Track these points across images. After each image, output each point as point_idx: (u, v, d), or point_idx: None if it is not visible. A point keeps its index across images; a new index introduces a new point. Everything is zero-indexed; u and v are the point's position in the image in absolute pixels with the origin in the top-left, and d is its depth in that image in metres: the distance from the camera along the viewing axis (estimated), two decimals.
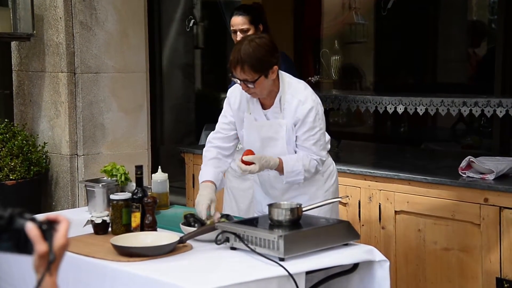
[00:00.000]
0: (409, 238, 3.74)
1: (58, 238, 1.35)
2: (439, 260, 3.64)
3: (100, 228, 2.97)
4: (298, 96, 3.02)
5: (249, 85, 2.92)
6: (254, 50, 2.89)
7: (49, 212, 4.38)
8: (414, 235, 3.72)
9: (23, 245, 1.34)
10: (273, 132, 3.06)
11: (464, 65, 6.29)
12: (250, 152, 3.00)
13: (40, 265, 1.34)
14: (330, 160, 3.28)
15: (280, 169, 3.01)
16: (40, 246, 1.33)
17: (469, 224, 3.51)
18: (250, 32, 4.00)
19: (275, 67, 2.95)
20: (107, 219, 2.97)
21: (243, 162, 2.94)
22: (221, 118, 3.23)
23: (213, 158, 3.17)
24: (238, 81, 2.96)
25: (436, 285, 3.65)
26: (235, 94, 3.17)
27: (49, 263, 1.33)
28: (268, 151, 3.07)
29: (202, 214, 2.92)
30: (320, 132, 3.05)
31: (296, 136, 3.05)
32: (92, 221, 2.98)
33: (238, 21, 4.01)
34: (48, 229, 1.35)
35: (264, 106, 3.09)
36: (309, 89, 3.11)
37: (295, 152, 3.08)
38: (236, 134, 3.19)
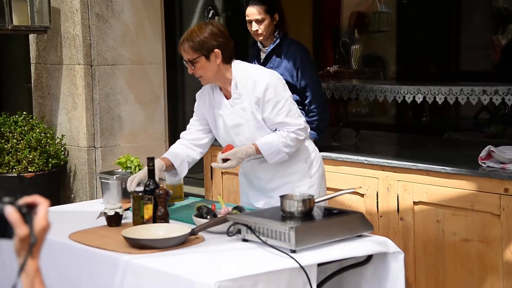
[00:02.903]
0: (428, 229, 3.68)
1: (39, 221, 1.34)
2: (458, 251, 3.57)
3: (113, 220, 2.95)
4: (251, 77, 3.06)
5: (191, 66, 3.01)
6: (197, 32, 3.00)
7: (67, 204, 4.38)
8: (433, 226, 3.66)
9: (3, 229, 1.33)
10: (238, 118, 3.09)
11: (487, 53, 6.19)
12: (228, 147, 3.09)
13: (22, 249, 1.33)
14: (312, 146, 3.28)
15: (260, 153, 3.08)
16: (21, 229, 1.32)
17: (489, 215, 3.44)
18: (265, 22, 3.98)
19: (217, 50, 2.99)
20: (120, 211, 2.96)
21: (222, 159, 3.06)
22: (194, 115, 3.31)
23: (179, 145, 3.27)
24: (185, 62, 3.05)
25: (456, 277, 3.59)
26: (203, 94, 3.24)
27: (31, 246, 1.32)
28: (239, 138, 3.12)
29: (128, 186, 3.05)
30: (287, 102, 3.07)
31: (265, 118, 3.07)
32: (105, 213, 2.97)
33: (253, 11, 3.98)
34: (27, 212, 1.34)
35: (227, 97, 3.13)
36: (264, 69, 3.19)
37: (272, 131, 3.11)
38: (207, 129, 3.27)
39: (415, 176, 3.70)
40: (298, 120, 3.10)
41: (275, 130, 3.10)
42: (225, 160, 3.06)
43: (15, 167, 4.77)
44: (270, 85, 3.03)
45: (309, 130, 3.26)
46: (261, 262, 2.43)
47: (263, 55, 4.11)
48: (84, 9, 4.80)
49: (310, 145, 3.26)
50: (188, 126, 3.32)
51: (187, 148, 3.25)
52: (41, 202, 1.36)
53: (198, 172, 6.13)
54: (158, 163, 3.11)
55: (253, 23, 3.99)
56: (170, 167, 3.19)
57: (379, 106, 6.64)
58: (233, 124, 3.11)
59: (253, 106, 3.05)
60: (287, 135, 3.06)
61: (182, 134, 3.32)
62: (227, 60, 3.05)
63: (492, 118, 5.66)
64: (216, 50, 2.99)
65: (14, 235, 1.33)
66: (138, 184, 3.15)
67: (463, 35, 6.27)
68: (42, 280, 1.34)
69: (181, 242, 2.63)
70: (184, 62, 3.06)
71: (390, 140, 5.33)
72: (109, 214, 2.95)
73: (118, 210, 2.96)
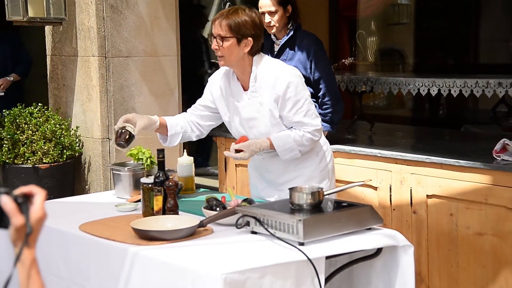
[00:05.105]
0: (441, 223, 3.65)
1: (35, 211, 1.34)
2: (472, 245, 3.54)
3: (119, 136, 3.00)
4: (273, 73, 3.02)
5: (219, 42, 2.96)
6: (239, 14, 2.97)
7: (80, 195, 4.40)
8: (446, 219, 3.62)
9: None
10: (254, 112, 3.06)
11: (508, 45, 6.13)
12: (243, 139, 3.07)
13: (18, 239, 1.33)
14: (323, 140, 3.26)
15: (273, 149, 3.06)
16: (17, 219, 1.31)
17: (503, 209, 3.41)
18: (278, 14, 3.95)
19: (250, 39, 2.96)
20: (131, 130, 3.01)
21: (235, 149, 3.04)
22: (199, 99, 3.27)
23: (182, 118, 3.25)
24: (212, 38, 3.00)
25: (469, 271, 3.56)
26: (216, 81, 3.19)
27: (27, 236, 1.31)
28: (253, 132, 3.09)
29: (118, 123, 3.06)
30: (306, 102, 3.05)
31: (283, 116, 3.04)
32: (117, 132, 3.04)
33: (266, 3, 3.96)
34: (23, 202, 1.33)
35: (245, 88, 3.09)
36: (285, 65, 3.13)
37: (287, 128, 3.09)
38: (210, 117, 3.25)
39: (428, 169, 3.67)
40: (315, 120, 3.07)
41: (291, 127, 3.08)
42: (238, 151, 3.05)
43: (30, 158, 4.80)
44: (291, 83, 3.00)
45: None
46: (269, 255, 2.42)
47: (276, 48, 4.09)
48: (98, 0, 4.81)
49: (322, 138, 3.23)
50: (193, 107, 3.29)
51: (189, 124, 3.25)
52: (38, 192, 1.35)
53: (212, 165, 6.14)
54: (153, 118, 3.12)
55: (266, 15, 3.97)
56: (163, 129, 3.19)
57: (396, 99, 6.60)
58: (248, 117, 3.09)
59: (272, 103, 3.02)
60: (303, 134, 3.04)
61: (189, 111, 3.30)
62: (253, 53, 3.02)
63: (510, 111, 5.60)
64: (249, 38, 2.97)
65: (10, 225, 1.32)
66: (148, 175, 3.16)
67: (483, 28, 6.21)
68: (38, 270, 1.34)
69: (190, 234, 2.63)
70: (211, 37, 3.01)
71: (405, 133, 5.30)
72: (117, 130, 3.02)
73: (128, 129, 3.00)
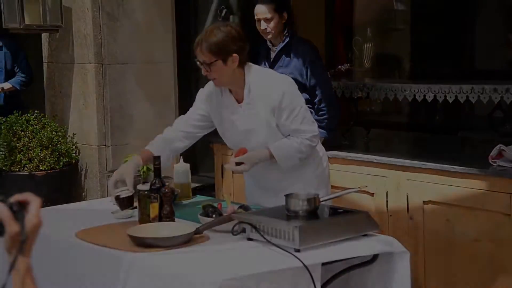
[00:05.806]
0: (438, 229, 3.65)
1: (30, 219, 1.33)
2: (468, 251, 3.54)
3: (122, 203, 2.99)
4: (266, 84, 3.02)
5: (207, 68, 2.94)
6: (215, 34, 2.93)
7: (76, 202, 4.40)
8: (443, 225, 3.63)
9: None
10: (251, 123, 3.06)
11: (505, 52, 6.13)
12: (242, 151, 3.05)
13: (13, 246, 1.32)
14: (319, 146, 3.27)
15: (273, 158, 3.06)
16: (12, 226, 1.31)
17: (499, 215, 3.41)
18: (274, 21, 3.96)
19: (235, 55, 2.94)
20: (127, 193, 2.99)
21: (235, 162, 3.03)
22: (193, 109, 3.24)
23: (169, 135, 3.21)
24: (199, 63, 2.98)
25: (466, 277, 3.56)
26: (209, 93, 3.17)
27: (21, 244, 1.31)
28: (251, 143, 3.09)
29: (110, 190, 3.03)
30: (302, 109, 3.06)
31: (280, 124, 3.04)
32: (117, 196, 3.01)
33: (261, 10, 3.97)
34: (19, 209, 1.33)
35: (238, 100, 3.09)
36: (277, 74, 3.14)
37: (285, 136, 3.09)
38: (204, 126, 3.23)
39: (424, 175, 3.67)
40: (312, 127, 3.09)
41: (288, 135, 3.09)
42: (238, 163, 3.05)
43: (27, 166, 4.79)
44: (286, 92, 3.00)
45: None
46: (265, 261, 2.42)
47: (272, 54, 4.10)
48: (95, 8, 4.82)
49: (318, 144, 3.24)
50: (185, 117, 3.25)
51: (176, 139, 3.21)
52: (33, 200, 1.35)
53: (210, 171, 6.11)
54: (136, 161, 3.10)
55: (262, 21, 3.98)
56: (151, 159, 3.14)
57: (393, 105, 6.60)
58: (245, 129, 3.09)
59: (268, 113, 3.02)
60: (301, 141, 3.05)
61: (178, 122, 3.26)
62: (242, 64, 3.01)
63: (506, 117, 5.60)
64: (234, 54, 2.94)
65: (4, 233, 1.32)
66: (145, 182, 3.16)
67: (479, 33, 6.22)
68: (33, 278, 1.34)
69: (186, 240, 2.62)
70: (198, 63, 3.00)
71: (401, 139, 5.31)
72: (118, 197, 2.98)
73: (124, 193, 2.99)
